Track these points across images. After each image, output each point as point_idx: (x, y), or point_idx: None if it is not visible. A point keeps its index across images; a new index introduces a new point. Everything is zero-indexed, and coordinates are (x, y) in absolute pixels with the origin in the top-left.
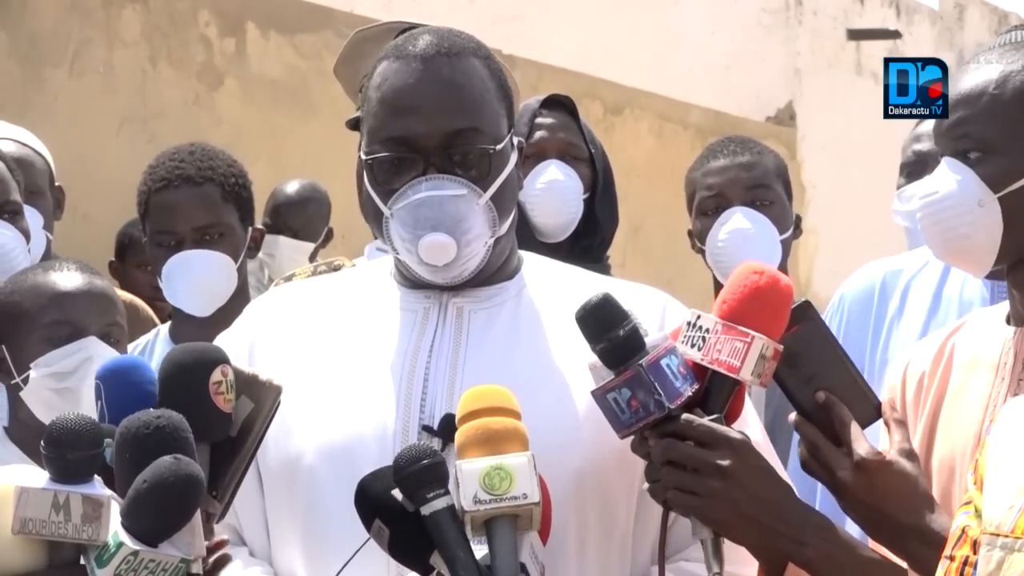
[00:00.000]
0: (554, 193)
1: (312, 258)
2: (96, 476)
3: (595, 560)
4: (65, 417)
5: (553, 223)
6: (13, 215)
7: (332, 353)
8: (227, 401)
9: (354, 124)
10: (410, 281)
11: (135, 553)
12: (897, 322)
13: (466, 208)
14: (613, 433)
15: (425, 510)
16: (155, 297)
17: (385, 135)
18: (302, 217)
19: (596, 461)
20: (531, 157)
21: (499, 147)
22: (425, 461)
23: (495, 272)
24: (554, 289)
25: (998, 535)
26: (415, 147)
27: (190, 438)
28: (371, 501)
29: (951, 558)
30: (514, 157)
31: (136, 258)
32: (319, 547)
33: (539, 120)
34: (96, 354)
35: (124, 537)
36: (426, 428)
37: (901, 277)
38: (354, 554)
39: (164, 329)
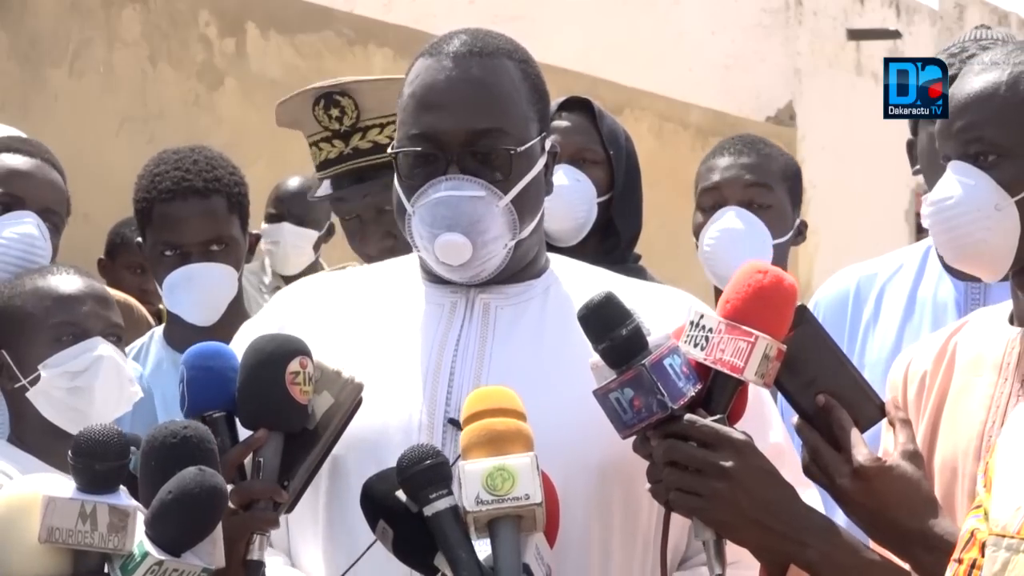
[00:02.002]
0: (560, 198)
1: (316, 248)
2: (122, 486)
3: (618, 562)
4: (92, 428)
5: (560, 228)
6: (55, 230)
7: (359, 344)
8: (303, 392)
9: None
10: (436, 277)
11: (160, 563)
12: (873, 326)
13: (484, 210)
14: None
15: (428, 511)
16: (141, 299)
17: (412, 131)
18: (305, 205)
19: (620, 459)
20: None
21: (522, 149)
22: (428, 461)
23: (521, 270)
24: (580, 289)
25: (1004, 536)
26: (439, 144)
27: (215, 449)
28: (375, 502)
29: (959, 561)
30: (543, 160)
31: (126, 259)
32: (342, 538)
33: (554, 123)
34: (106, 353)
35: (149, 547)
36: (452, 421)
37: (876, 281)
38: (362, 554)
39: (159, 331)
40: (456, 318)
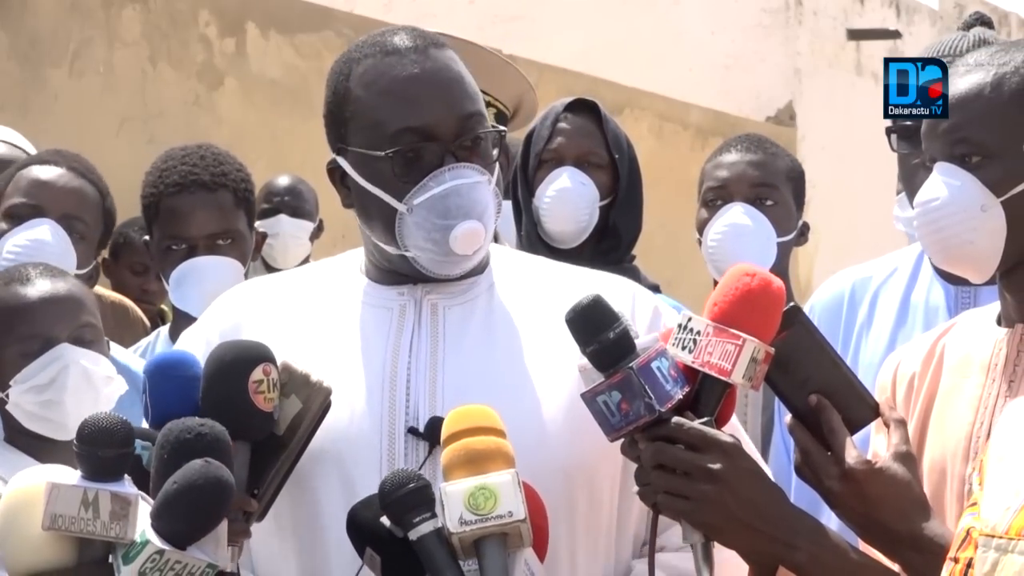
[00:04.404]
0: (564, 201)
1: (312, 239)
2: (127, 476)
3: (584, 559)
4: (98, 416)
5: (563, 230)
6: (80, 237)
7: (308, 352)
8: (268, 400)
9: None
10: (384, 275)
11: (160, 552)
12: (866, 331)
13: (487, 194)
14: (595, 427)
15: (412, 535)
16: (142, 299)
17: (399, 127)
18: (298, 198)
19: (581, 457)
20: (549, 162)
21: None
22: (411, 485)
23: None
24: (525, 282)
25: (993, 536)
26: (432, 135)
27: (230, 450)
28: (361, 529)
29: (955, 560)
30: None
31: (128, 259)
32: (312, 551)
33: (560, 125)
34: (72, 361)
35: (151, 536)
36: (412, 431)
37: (870, 285)
38: None
39: (164, 330)
40: (406, 322)
